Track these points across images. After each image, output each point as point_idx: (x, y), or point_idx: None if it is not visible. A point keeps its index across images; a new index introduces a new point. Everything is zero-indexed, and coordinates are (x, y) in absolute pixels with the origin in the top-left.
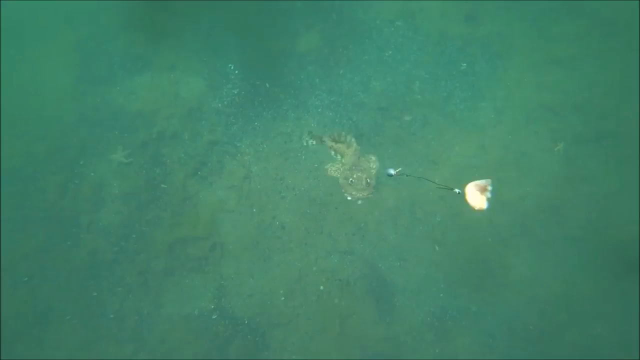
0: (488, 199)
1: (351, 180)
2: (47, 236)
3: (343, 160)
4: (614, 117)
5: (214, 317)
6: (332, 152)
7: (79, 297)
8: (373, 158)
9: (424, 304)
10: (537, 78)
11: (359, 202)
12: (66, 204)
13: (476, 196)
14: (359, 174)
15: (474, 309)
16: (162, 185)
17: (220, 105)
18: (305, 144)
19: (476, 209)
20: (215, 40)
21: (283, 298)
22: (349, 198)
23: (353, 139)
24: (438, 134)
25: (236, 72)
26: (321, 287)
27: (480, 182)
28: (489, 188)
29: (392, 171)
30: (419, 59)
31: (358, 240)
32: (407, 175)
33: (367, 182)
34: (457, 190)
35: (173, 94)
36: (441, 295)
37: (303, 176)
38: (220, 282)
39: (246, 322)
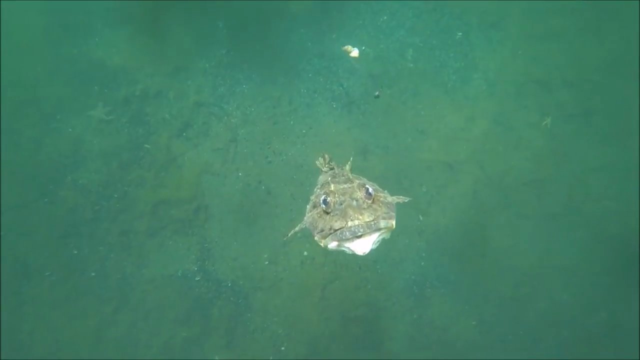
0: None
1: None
2: (23, 191)
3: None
4: (603, 94)
5: (197, 279)
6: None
7: (58, 254)
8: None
9: (405, 272)
10: (531, 51)
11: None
12: (42, 160)
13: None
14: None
15: (453, 278)
16: (146, 146)
17: (207, 65)
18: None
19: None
20: None
21: (267, 262)
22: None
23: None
24: (429, 104)
25: (225, 31)
26: (305, 253)
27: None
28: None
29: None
30: (414, 25)
31: None
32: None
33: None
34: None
35: (157, 50)
36: (422, 264)
37: (291, 141)
38: (204, 245)
39: (229, 284)
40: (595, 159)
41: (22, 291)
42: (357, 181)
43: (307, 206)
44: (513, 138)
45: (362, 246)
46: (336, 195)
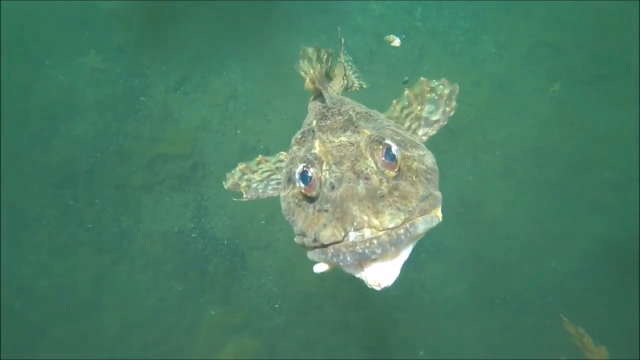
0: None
1: None
2: (13, 138)
3: None
4: (615, 59)
5: (193, 235)
6: None
7: (54, 204)
8: None
9: None
10: (546, 11)
11: None
12: (32, 106)
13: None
14: None
15: (447, 243)
16: (142, 98)
17: (206, 17)
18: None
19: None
20: None
21: (263, 222)
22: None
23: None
24: (434, 66)
25: None
26: None
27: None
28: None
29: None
30: None
31: None
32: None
33: None
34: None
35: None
36: None
37: (291, 100)
38: (200, 202)
39: (225, 242)
40: (600, 128)
41: (21, 238)
42: (365, 129)
43: (282, 166)
44: (518, 104)
45: (381, 276)
46: (325, 165)
